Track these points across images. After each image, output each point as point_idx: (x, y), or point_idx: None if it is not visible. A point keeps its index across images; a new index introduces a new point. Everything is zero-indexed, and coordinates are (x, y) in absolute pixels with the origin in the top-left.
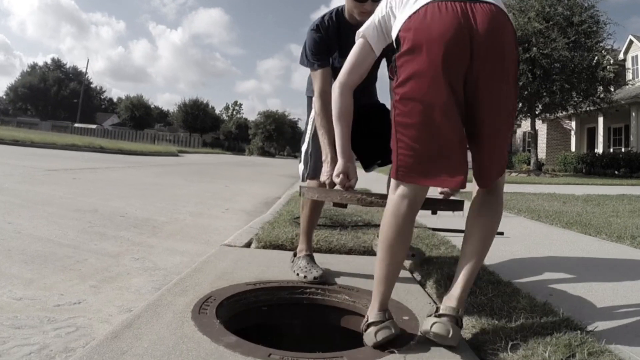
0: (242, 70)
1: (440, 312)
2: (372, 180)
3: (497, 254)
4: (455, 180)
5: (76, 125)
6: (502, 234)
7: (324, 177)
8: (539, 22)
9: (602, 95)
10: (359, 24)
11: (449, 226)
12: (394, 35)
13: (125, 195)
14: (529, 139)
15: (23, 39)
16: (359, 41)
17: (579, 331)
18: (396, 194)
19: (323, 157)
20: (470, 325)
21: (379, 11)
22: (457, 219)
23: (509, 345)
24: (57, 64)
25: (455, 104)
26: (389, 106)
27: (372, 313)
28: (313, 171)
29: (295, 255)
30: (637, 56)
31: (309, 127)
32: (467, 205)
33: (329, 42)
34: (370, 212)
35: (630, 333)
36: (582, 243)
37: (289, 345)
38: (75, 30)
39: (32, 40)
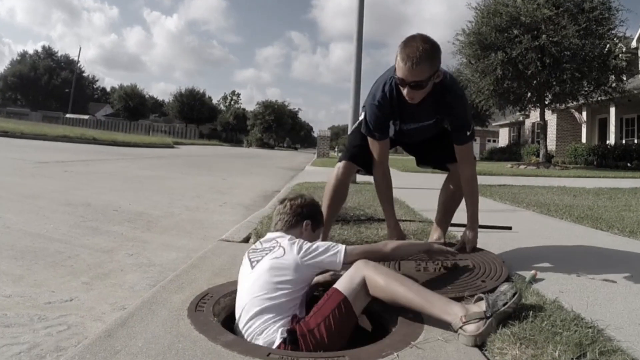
0: (240, 59)
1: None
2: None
3: (505, 249)
4: None
5: (68, 115)
6: (510, 228)
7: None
8: (548, 9)
9: (614, 85)
10: None
11: (454, 221)
12: None
13: (119, 188)
14: (538, 130)
15: (12, 25)
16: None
17: (590, 329)
18: None
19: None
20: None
21: None
22: (463, 214)
23: (518, 344)
24: (48, 52)
25: None
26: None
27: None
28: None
29: None
30: None
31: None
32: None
33: (391, 115)
34: (373, 206)
35: None
36: (593, 238)
37: None
38: (67, 16)
39: (21, 27)
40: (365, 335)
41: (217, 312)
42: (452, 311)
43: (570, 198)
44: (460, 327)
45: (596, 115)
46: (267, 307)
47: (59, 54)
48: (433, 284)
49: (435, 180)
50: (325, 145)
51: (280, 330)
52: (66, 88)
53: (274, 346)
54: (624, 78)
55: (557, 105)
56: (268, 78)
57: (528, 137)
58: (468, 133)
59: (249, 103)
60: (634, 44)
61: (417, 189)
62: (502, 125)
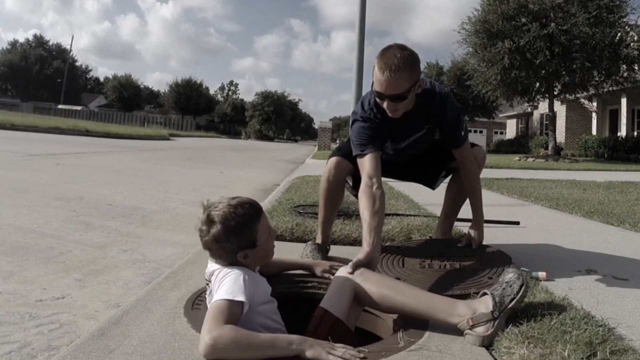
0: (238, 47)
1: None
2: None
3: (513, 244)
4: None
5: (60, 106)
6: (517, 223)
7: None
8: None
9: (625, 75)
10: None
11: (460, 215)
12: None
13: (113, 182)
14: (547, 122)
15: (2, 12)
16: None
17: (600, 328)
18: None
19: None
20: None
21: None
22: (467, 208)
23: (526, 343)
24: (39, 41)
25: None
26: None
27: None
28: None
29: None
30: None
31: None
32: None
33: (376, 130)
34: None
35: None
36: (604, 233)
37: None
38: (58, 3)
39: (11, 15)
40: (366, 334)
41: None
42: (458, 312)
43: (580, 192)
44: (469, 329)
45: (607, 107)
46: None
47: (51, 43)
48: (438, 282)
49: None
50: (326, 137)
51: None
52: (58, 78)
53: None
54: (636, 68)
55: (567, 95)
56: (267, 67)
57: (536, 129)
58: (462, 133)
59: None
60: None
61: None
62: (509, 117)
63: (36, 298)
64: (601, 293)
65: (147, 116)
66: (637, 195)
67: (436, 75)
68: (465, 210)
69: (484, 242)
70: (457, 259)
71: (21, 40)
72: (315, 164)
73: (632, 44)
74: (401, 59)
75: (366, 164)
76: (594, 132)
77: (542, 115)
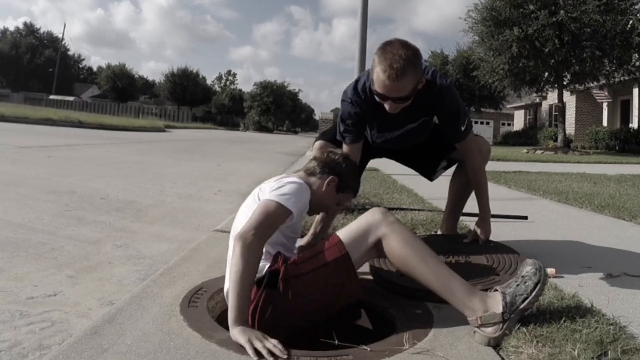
0: (236, 35)
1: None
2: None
3: (521, 240)
4: None
5: (51, 97)
6: (525, 218)
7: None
8: None
9: (637, 64)
10: None
11: (466, 210)
12: None
13: (107, 175)
14: (556, 113)
15: None
16: None
17: (611, 326)
18: None
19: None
20: None
21: None
22: (473, 202)
23: (534, 342)
24: (30, 29)
25: None
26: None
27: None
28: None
29: None
30: None
31: None
32: None
33: (364, 117)
34: (379, 194)
35: None
36: (615, 228)
37: (289, 341)
38: None
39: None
40: (367, 333)
41: (212, 307)
42: (472, 305)
43: (590, 185)
44: (477, 327)
45: (618, 97)
46: None
47: (42, 31)
48: None
49: None
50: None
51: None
52: (50, 67)
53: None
54: None
55: (577, 85)
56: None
57: (545, 120)
58: (462, 128)
59: (245, 83)
60: None
61: None
62: (517, 108)
63: (27, 295)
64: (612, 290)
65: (141, 107)
66: None
67: (441, 64)
68: (472, 205)
69: (491, 238)
70: (463, 255)
71: (11, 28)
72: None
73: None
74: (406, 60)
75: (346, 151)
76: (604, 123)
77: (551, 106)
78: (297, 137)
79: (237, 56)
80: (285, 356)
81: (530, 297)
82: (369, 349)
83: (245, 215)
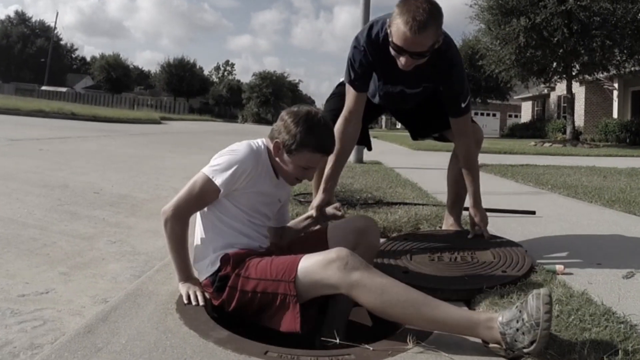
0: (234, 24)
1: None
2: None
3: (529, 235)
4: None
5: (44, 88)
6: (533, 213)
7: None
8: None
9: None
10: None
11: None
12: None
13: (100, 168)
14: (565, 104)
15: None
16: None
17: (621, 325)
18: None
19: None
20: None
21: None
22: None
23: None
24: (21, 18)
25: None
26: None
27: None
28: None
29: None
30: None
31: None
32: None
33: (374, 66)
34: (382, 188)
35: None
36: (625, 224)
37: (288, 340)
38: None
39: None
40: (369, 332)
41: (209, 305)
42: (478, 333)
43: (600, 179)
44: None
45: (629, 88)
46: (199, 230)
47: (34, 20)
48: (448, 276)
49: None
50: None
51: (207, 263)
52: (42, 57)
53: (202, 279)
54: None
55: (586, 76)
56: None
57: (553, 112)
58: (463, 105)
59: (244, 74)
60: None
61: (431, 169)
62: (524, 99)
63: (18, 293)
64: (622, 288)
65: (137, 98)
66: None
67: None
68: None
69: (497, 233)
70: (469, 251)
71: (1, 17)
72: None
73: None
74: (429, 14)
75: (352, 98)
76: (615, 115)
77: (559, 97)
78: None
79: (236, 46)
80: (197, 303)
81: (531, 348)
82: (371, 348)
83: None
